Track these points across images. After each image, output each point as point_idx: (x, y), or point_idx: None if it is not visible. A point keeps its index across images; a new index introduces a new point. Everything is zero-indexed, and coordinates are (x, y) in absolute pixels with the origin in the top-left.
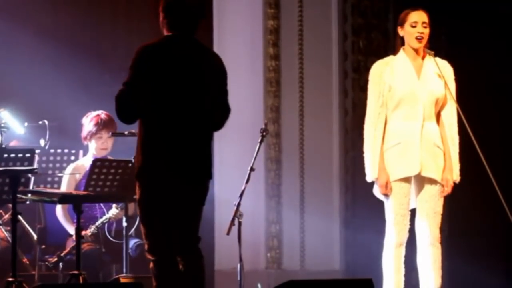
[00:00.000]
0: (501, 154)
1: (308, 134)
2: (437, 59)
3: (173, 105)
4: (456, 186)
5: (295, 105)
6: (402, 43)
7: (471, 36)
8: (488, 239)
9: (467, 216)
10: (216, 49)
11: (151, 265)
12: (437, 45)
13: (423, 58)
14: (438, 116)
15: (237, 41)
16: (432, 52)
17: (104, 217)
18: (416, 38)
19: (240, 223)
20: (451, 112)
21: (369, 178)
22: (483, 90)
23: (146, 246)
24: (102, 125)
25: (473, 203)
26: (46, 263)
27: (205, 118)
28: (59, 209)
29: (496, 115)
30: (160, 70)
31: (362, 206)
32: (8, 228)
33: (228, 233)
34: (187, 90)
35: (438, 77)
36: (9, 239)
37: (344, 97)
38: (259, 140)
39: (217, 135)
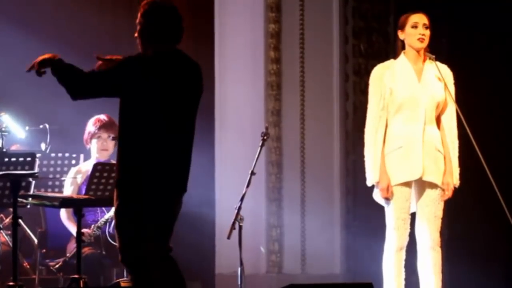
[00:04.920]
0: (501, 158)
1: (309, 138)
2: (438, 63)
3: (163, 119)
4: (456, 189)
5: (296, 108)
6: (403, 47)
7: (471, 39)
8: (488, 243)
9: (467, 219)
10: (217, 52)
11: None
12: (437, 48)
13: (423, 61)
14: (438, 120)
15: (238, 44)
16: (433, 56)
17: (105, 216)
18: (418, 39)
19: (240, 227)
20: (451, 116)
21: (369, 182)
22: (484, 93)
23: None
24: (101, 124)
25: (473, 207)
26: (51, 268)
27: (191, 133)
28: (63, 212)
29: (497, 119)
30: (152, 85)
31: (363, 209)
32: (9, 232)
33: (228, 237)
34: (179, 105)
35: (438, 80)
36: (10, 243)
37: (345, 100)
38: (260, 143)
39: (218, 139)
